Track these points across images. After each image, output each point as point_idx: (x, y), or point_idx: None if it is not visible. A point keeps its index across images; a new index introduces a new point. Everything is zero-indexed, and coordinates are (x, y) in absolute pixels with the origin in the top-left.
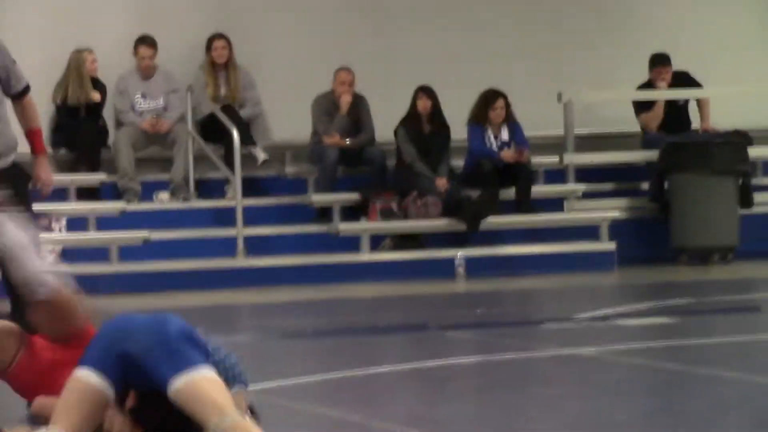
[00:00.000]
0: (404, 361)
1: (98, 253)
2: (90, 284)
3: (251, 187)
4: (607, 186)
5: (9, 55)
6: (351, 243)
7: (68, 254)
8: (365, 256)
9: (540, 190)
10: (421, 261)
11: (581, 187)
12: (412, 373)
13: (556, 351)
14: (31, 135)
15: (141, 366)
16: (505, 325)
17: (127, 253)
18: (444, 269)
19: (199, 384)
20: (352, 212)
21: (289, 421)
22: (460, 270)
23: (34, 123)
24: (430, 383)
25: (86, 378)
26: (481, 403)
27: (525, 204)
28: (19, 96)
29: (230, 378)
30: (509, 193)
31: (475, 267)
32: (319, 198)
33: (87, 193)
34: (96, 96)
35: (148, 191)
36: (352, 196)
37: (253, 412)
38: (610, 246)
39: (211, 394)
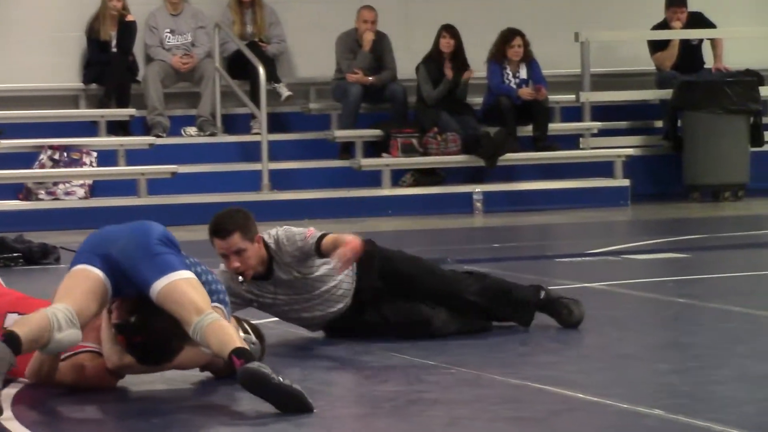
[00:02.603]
0: None
1: (127, 187)
2: (119, 217)
3: (276, 122)
4: (622, 124)
5: None
6: (373, 178)
7: (98, 187)
8: (386, 190)
9: (556, 127)
10: (441, 196)
11: (596, 125)
12: None
13: (568, 285)
14: None
15: (124, 270)
16: (520, 259)
17: (156, 186)
18: (462, 204)
19: (179, 286)
20: (373, 148)
21: (299, 358)
22: (478, 205)
23: None
24: None
25: (85, 268)
26: (498, 335)
27: (542, 141)
28: None
29: (209, 292)
30: (527, 129)
31: (493, 202)
32: (342, 134)
33: (117, 128)
34: (130, 17)
35: (176, 126)
36: (374, 132)
37: (256, 329)
38: (623, 182)
39: (190, 295)
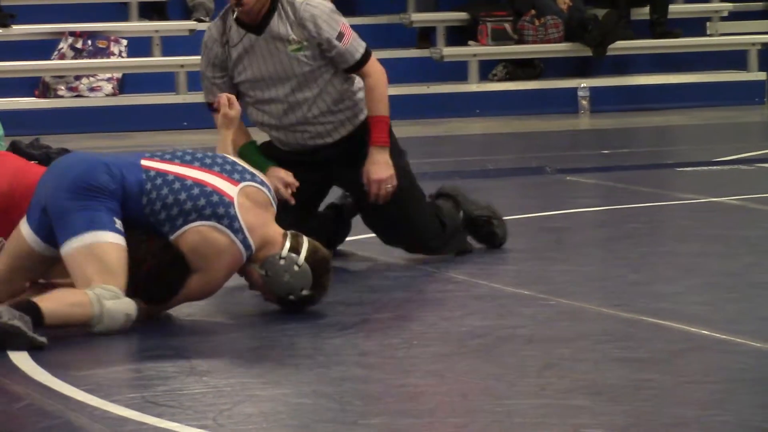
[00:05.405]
0: (518, 209)
1: (163, 81)
2: (152, 117)
3: (343, 3)
4: (757, 5)
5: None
6: (457, 71)
7: (129, 82)
8: (473, 86)
9: (678, 9)
10: (539, 92)
11: (727, 6)
12: (528, 223)
13: (693, 199)
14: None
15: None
16: (634, 169)
17: (197, 81)
18: (565, 102)
19: (77, 254)
20: (458, 35)
21: (383, 268)
22: (584, 103)
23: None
24: (547, 235)
25: (20, 229)
26: (606, 260)
27: (660, 26)
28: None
29: (188, 211)
30: (642, 12)
31: (602, 99)
32: (420, 17)
33: (151, 10)
34: None
35: (220, 8)
36: (458, 16)
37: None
38: (759, 75)
39: (83, 265)
